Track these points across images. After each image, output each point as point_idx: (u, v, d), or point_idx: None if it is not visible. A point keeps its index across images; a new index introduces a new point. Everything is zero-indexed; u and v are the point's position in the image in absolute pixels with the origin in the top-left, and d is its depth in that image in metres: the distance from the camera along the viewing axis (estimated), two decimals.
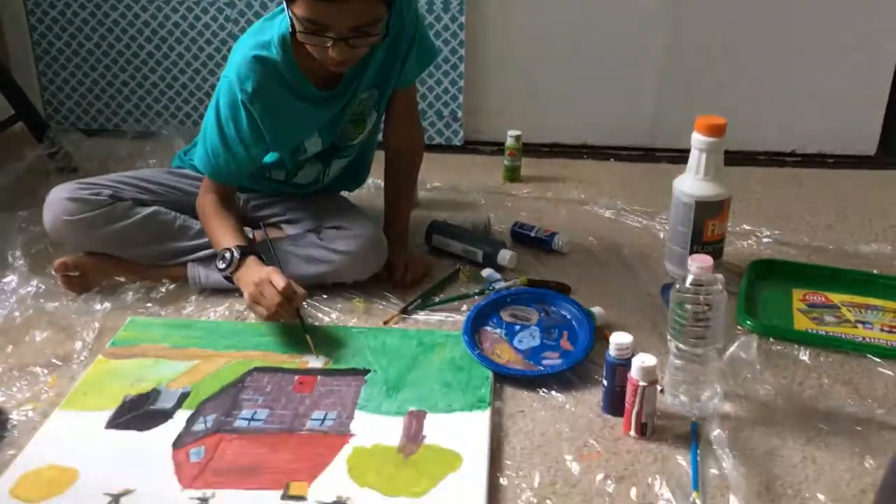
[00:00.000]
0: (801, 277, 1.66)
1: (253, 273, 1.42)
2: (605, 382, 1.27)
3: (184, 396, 1.29)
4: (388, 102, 1.65)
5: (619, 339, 1.25)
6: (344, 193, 1.80)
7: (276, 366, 1.37)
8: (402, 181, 1.76)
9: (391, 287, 1.61)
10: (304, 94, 1.51)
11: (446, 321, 1.52)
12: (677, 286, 1.25)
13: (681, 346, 1.26)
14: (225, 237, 1.49)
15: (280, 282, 1.38)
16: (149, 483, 1.11)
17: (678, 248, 1.65)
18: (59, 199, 1.54)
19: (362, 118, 1.63)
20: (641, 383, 1.20)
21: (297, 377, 1.34)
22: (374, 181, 1.90)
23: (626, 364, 1.25)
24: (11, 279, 1.58)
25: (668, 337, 1.28)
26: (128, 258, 1.60)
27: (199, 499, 1.08)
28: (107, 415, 1.25)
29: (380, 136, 1.75)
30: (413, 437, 1.20)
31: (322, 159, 1.66)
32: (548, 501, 1.11)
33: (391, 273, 1.63)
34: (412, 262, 1.66)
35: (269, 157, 1.60)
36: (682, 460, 1.18)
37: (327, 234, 1.59)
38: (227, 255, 1.46)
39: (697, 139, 1.60)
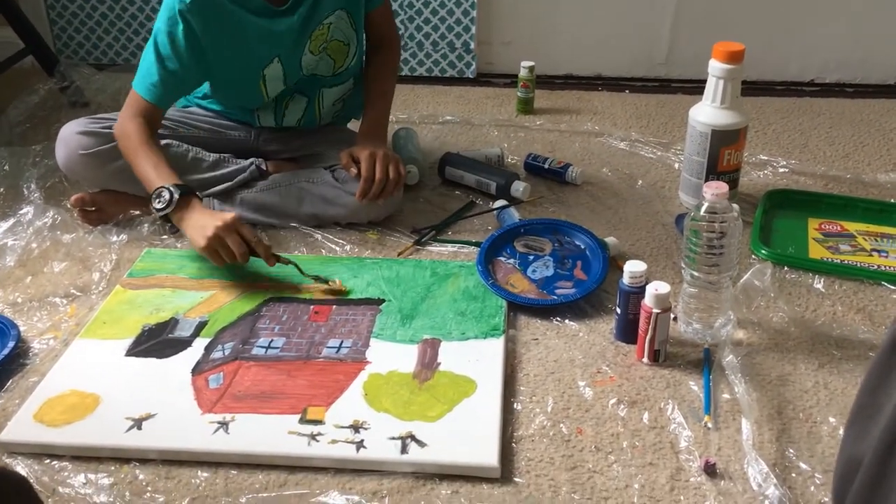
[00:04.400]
0: (816, 207, 1.65)
1: (205, 217, 1.37)
2: (618, 310, 1.28)
3: (201, 325, 1.31)
4: (365, 28, 1.62)
5: (632, 267, 1.25)
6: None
7: (291, 295, 1.38)
8: (376, 70, 1.69)
9: (361, 191, 1.51)
10: (253, 7, 1.46)
11: (460, 252, 1.52)
12: (692, 214, 1.24)
13: (694, 273, 1.26)
14: (157, 173, 1.42)
15: (248, 233, 1.37)
16: (169, 408, 1.13)
17: (693, 178, 1.64)
18: (71, 134, 1.54)
19: (344, 42, 1.59)
20: (655, 310, 1.20)
21: (312, 307, 1.35)
22: None
23: (639, 292, 1.25)
24: (27, 211, 1.59)
25: (682, 265, 1.28)
26: (142, 193, 1.60)
27: (218, 422, 1.11)
28: (126, 343, 1.27)
29: None
30: (428, 364, 1.22)
31: (306, 92, 1.63)
32: (561, 425, 1.12)
33: (358, 166, 1.53)
34: (382, 155, 1.52)
35: (244, 95, 1.57)
36: (695, 385, 1.19)
37: (341, 173, 1.58)
38: (165, 194, 1.38)
39: (715, 66, 1.57)
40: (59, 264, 1.47)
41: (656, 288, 1.21)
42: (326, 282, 1.39)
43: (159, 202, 1.39)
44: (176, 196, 1.38)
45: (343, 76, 1.65)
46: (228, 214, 1.37)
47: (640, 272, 1.25)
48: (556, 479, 1.04)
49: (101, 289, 1.42)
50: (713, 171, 1.62)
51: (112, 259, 1.49)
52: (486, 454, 1.05)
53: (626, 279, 1.26)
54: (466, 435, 1.09)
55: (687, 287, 1.29)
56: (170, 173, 1.42)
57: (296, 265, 1.40)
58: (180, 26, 1.43)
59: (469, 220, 1.64)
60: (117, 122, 1.50)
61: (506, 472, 1.05)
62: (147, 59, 1.48)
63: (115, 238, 1.54)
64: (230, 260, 1.36)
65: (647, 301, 1.21)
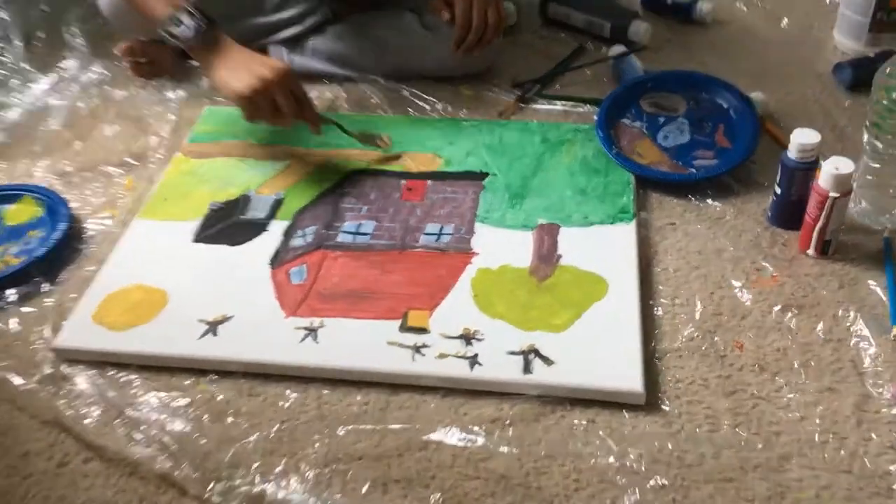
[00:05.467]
0: None
1: (249, 60, 1.09)
2: (777, 189, 1.05)
3: (277, 204, 1.12)
4: None
5: (802, 138, 1.01)
6: None
7: (377, 168, 1.17)
8: None
9: (457, 39, 1.26)
10: None
11: (572, 112, 1.28)
12: (888, 69, 0.98)
13: (880, 144, 1.01)
14: None
15: (301, 90, 1.11)
16: (248, 308, 0.96)
17: (856, 15, 1.34)
18: None
19: None
20: (832, 194, 0.97)
21: (403, 182, 1.15)
22: None
23: (808, 168, 1.01)
24: (71, 64, 1.39)
25: (865, 132, 1.03)
26: None
27: (306, 328, 0.94)
28: (193, 226, 1.09)
29: None
30: (546, 256, 1.02)
31: None
32: (714, 337, 0.93)
33: (451, 9, 1.26)
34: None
35: None
36: (875, 285, 0.97)
37: (431, 18, 1.32)
38: (188, 20, 1.07)
39: None
40: (111, 127, 1.28)
41: (836, 166, 0.96)
42: (375, 140, 1.18)
43: (182, 28, 1.07)
44: (202, 25, 1.08)
45: None
46: (278, 62, 1.11)
47: (813, 145, 1.01)
48: (714, 406, 0.86)
49: (160, 156, 1.23)
50: (884, 6, 1.32)
51: (170, 120, 1.29)
52: (628, 375, 0.87)
53: (793, 152, 1.02)
54: (600, 349, 0.90)
55: (868, 160, 1.04)
56: None
57: (337, 124, 1.18)
58: None
59: (579, 70, 1.38)
60: None
61: (651, 396, 0.87)
62: None
63: (171, 94, 1.34)
64: (270, 119, 1.10)
65: (823, 182, 0.98)
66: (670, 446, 0.82)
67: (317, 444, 0.83)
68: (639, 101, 1.24)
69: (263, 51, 1.37)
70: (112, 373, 0.91)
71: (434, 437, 0.83)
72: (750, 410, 0.86)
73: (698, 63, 1.36)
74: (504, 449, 0.83)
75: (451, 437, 0.84)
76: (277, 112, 1.09)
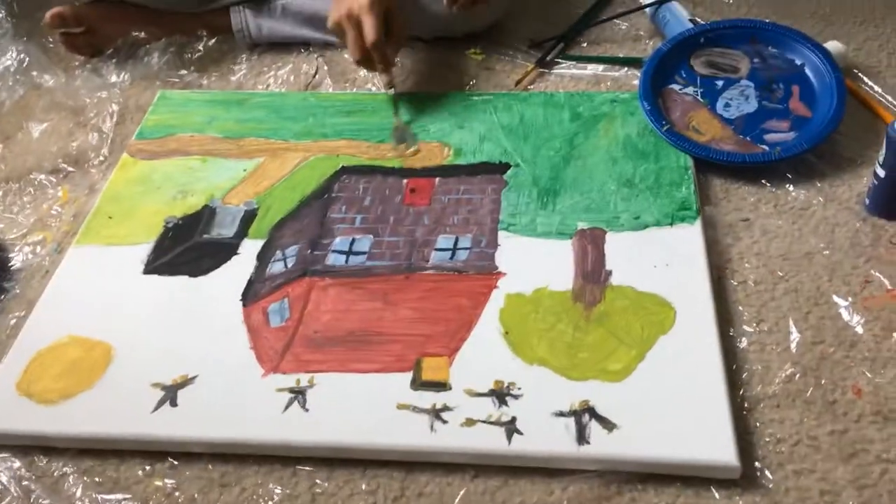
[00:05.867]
0: None
1: None
2: (879, 170, 0.83)
3: (249, 217, 0.89)
4: None
5: None
6: None
7: (373, 164, 0.95)
8: None
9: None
10: None
11: (606, 77, 1.05)
12: None
13: None
14: None
15: (371, 34, 0.93)
16: (215, 366, 0.75)
17: None
18: None
19: None
20: None
21: (405, 181, 0.92)
22: None
23: None
24: None
25: None
26: (146, 2, 1.14)
27: (291, 389, 0.72)
28: (144, 250, 0.87)
29: None
30: (592, 273, 0.80)
31: None
32: (819, 377, 0.72)
33: None
34: None
35: None
36: None
37: None
38: None
39: None
40: (41, 123, 1.05)
41: None
42: (407, 144, 0.96)
43: None
44: None
45: None
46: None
47: None
48: (830, 477, 0.65)
49: (102, 157, 1.01)
50: None
51: (113, 110, 1.06)
52: (716, 441, 0.66)
53: None
54: (675, 405, 0.69)
55: None
56: None
57: (396, 98, 1.00)
58: None
59: (610, 23, 1.14)
60: None
61: (746, 465, 0.66)
62: None
63: (114, 77, 1.10)
64: (355, 52, 0.96)
65: None
66: None
67: None
68: (689, 61, 1.00)
69: (223, 14, 1.13)
70: (43, 462, 0.70)
71: None
72: (878, 479, 0.65)
73: (756, 8, 1.13)
74: None
75: None
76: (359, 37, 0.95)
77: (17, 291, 0.85)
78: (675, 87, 0.98)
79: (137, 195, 0.93)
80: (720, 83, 0.98)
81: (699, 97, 0.97)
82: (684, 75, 0.99)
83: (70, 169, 0.99)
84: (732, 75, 0.99)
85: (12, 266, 0.88)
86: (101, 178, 0.97)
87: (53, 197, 0.96)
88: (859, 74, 1.00)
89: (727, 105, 0.96)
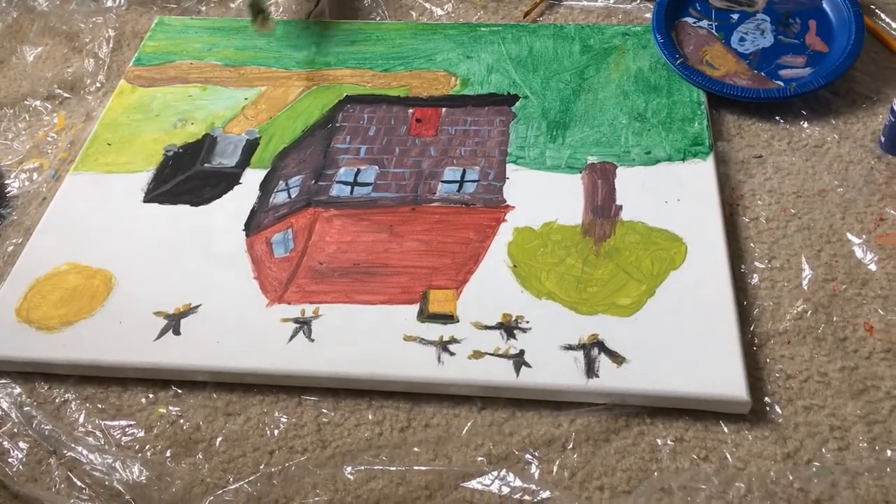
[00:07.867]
0: None
1: None
2: (895, 108, 0.81)
3: (251, 146, 0.87)
4: None
5: None
6: None
7: (377, 93, 0.92)
8: None
9: None
10: None
11: (617, 9, 1.02)
12: None
13: None
14: None
15: None
16: (218, 295, 0.74)
17: None
18: None
19: None
20: None
21: (411, 111, 0.90)
22: None
23: None
24: None
25: None
26: None
27: (296, 320, 0.71)
28: (144, 178, 0.85)
29: None
30: (602, 208, 0.79)
31: None
32: (831, 314, 0.71)
33: None
34: None
35: None
36: None
37: None
38: None
39: None
40: (35, 48, 1.02)
41: None
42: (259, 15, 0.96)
43: None
44: None
45: None
46: None
47: None
48: (840, 413, 0.65)
49: (99, 84, 0.98)
50: None
51: (109, 36, 1.03)
52: (726, 375, 0.65)
53: None
54: (685, 339, 0.68)
55: None
56: None
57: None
58: None
59: None
60: None
61: (756, 400, 0.66)
62: None
63: (110, 2, 1.07)
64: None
65: None
66: (790, 476, 0.62)
67: (318, 490, 0.62)
68: None
69: None
70: (44, 389, 0.70)
71: (472, 484, 0.62)
72: (888, 416, 0.65)
73: None
74: (565, 480, 0.62)
75: (495, 466, 0.63)
76: None
77: (15, 218, 0.83)
78: (689, 20, 0.96)
79: (136, 123, 0.91)
80: (736, 16, 0.95)
81: (714, 31, 0.94)
82: (699, 8, 0.97)
83: (66, 95, 0.96)
84: (748, 8, 0.96)
85: (9, 192, 0.86)
86: (97, 105, 0.95)
87: (49, 123, 0.93)
88: (877, 11, 0.97)
89: (742, 39, 0.93)
